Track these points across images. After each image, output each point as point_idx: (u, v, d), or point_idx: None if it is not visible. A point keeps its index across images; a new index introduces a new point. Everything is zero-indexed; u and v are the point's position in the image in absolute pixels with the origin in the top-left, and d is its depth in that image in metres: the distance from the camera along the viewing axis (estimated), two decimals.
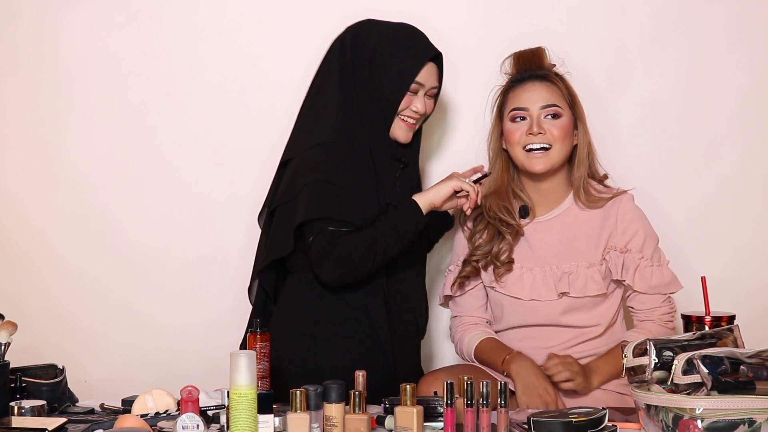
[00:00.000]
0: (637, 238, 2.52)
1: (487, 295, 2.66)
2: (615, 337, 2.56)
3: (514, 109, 2.54)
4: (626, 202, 2.55)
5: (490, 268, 2.59)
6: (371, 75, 2.51)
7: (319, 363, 2.48)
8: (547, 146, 2.51)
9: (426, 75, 2.52)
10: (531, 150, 2.52)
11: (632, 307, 2.57)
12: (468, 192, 2.45)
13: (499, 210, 2.56)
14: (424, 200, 2.46)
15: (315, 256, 2.44)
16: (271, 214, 2.60)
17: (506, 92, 2.60)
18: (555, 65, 2.61)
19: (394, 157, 2.57)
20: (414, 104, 2.53)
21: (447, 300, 2.71)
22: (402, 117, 2.54)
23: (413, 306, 2.60)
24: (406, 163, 2.59)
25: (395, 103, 2.51)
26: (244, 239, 2.90)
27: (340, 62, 2.56)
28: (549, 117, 2.52)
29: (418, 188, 2.66)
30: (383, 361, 2.50)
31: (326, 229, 2.43)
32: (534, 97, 2.53)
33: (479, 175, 2.57)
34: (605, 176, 2.63)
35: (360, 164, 2.50)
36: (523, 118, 2.53)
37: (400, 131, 2.55)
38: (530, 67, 2.58)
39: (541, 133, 2.50)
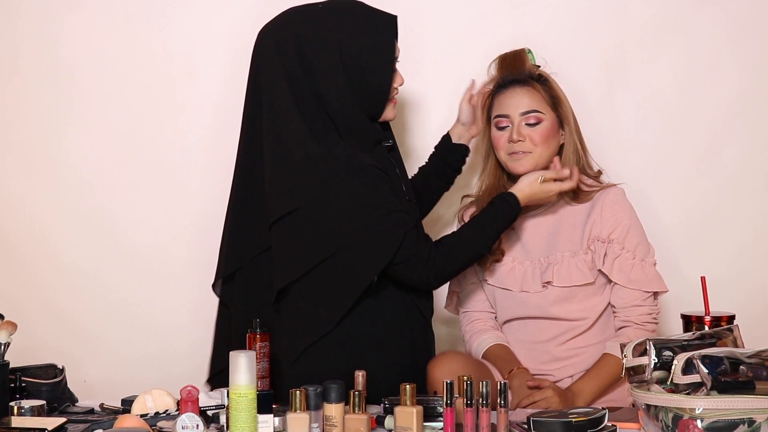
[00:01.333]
0: (620, 229, 2.52)
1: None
2: (606, 332, 2.57)
3: (497, 116, 2.58)
4: (613, 194, 2.56)
5: (481, 262, 2.61)
6: (347, 78, 2.38)
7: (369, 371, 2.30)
8: (528, 152, 2.54)
9: (396, 48, 2.46)
10: (513, 153, 2.55)
11: (613, 306, 2.56)
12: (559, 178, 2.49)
13: None
14: (523, 201, 2.47)
15: (422, 265, 2.37)
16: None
17: (493, 97, 2.62)
18: (539, 66, 2.62)
19: (385, 143, 2.51)
20: (396, 81, 2.47)
21: (453, 297, 2.73)
22: (390, 98, 2.48)
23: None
24: (392, 143, 2.55)
25: (386, 94, 2.45)
26: None
27: (291, 87, 2.39)
28: (529, 123, 2.54)
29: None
30: (412, 365, 2.47)
31: (417, 244, 2.37)
32: (514, 103, 2.56)
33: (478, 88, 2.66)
34: (599, 172, 2.65)
35: (380, 177, 2.41)
36: (507, 125, 2.56)
37: (390, 112, 2.50)
38: (511, 71, 2.59)
39: (521, 140, 2.53)
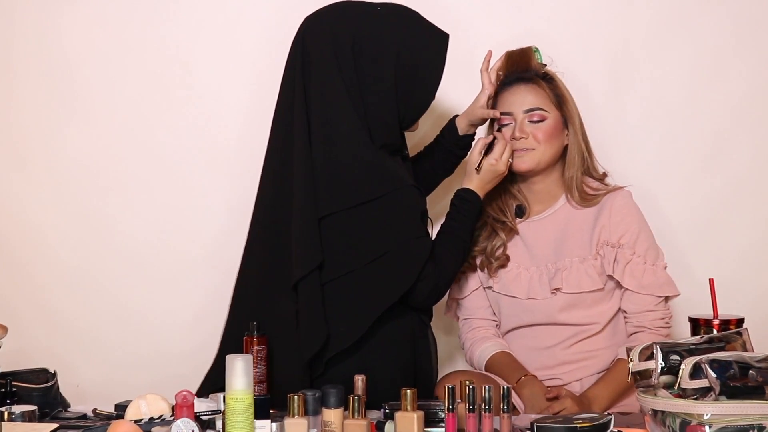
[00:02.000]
0: (629, 234, 2.50)
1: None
2: (617, 337, 2.54)
3: (501, 114, 2.57)
4: (621, 197, 2.54)
5: (486, 268, 2.59)
6: (396, 87, 2.39)
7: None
8: (531, 149, 2.53)
9: None
10: (516, 150, 2.54)
11: (625, 311, 2.53)
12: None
13: (493, 210, 2.60)
14: (480, 190, 2.49)
15: (431, 289, 2.41)
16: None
17: (497, 93, 2.61)
18: (546, 65, 2.60)
19: (401, 154, 2.51)
20: None
21: (452, 304, 2.71)
22: None
23: None
24: (407, 153, 2.56)
25: (426, 108, 2.47)
26: (242, 240, 2.87)
27: (345, 84, 2.37)
28: (533, 120, 2.53)
29: None
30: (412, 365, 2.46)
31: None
32: (518, 100, 2.55)
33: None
34: (604, 174, 2.63)
35: (421, 198, 2.46)
36: (509, 123, 2.55)
37: (416, 124, 2.52)
38: (517, 68, 2.58)
39: (523, 138, 2.52)
